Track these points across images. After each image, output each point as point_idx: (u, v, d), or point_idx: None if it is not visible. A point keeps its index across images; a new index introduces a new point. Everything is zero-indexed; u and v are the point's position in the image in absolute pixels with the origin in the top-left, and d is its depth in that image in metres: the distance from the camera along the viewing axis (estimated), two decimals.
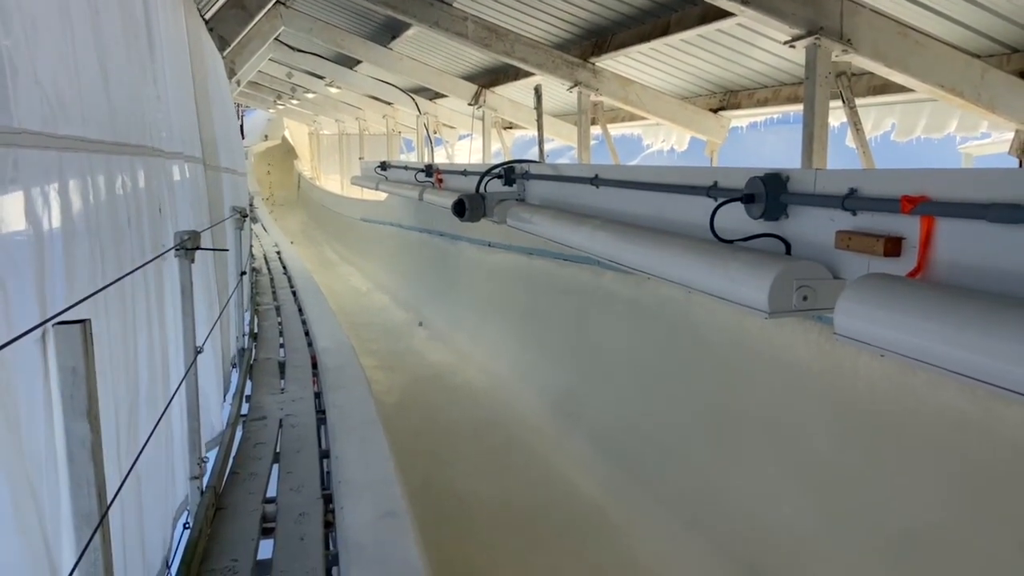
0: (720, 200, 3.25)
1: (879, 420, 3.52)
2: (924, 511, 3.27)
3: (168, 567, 2.80)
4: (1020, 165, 5.22)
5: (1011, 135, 5.29)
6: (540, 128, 9.82)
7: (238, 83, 10.89)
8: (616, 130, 10.27)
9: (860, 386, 3.62)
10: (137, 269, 2.29)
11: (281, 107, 23.69)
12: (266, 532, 3.14)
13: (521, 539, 4.86)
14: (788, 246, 2.96)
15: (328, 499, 3.40)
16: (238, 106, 18.87)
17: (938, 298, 2.03)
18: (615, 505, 5.12)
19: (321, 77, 16.31)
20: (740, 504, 4.34)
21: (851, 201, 2.58)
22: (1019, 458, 2.85)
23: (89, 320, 1.63)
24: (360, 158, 18.40)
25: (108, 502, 1.75)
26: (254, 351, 6.32)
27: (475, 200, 6.26)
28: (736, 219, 3.17)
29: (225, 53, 7.70)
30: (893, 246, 2.39)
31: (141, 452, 2.19)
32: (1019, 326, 1.80)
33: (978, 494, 3.04)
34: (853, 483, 3.65)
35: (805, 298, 2.67)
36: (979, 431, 3.00)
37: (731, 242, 3.15)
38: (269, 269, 11.66)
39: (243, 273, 6.23)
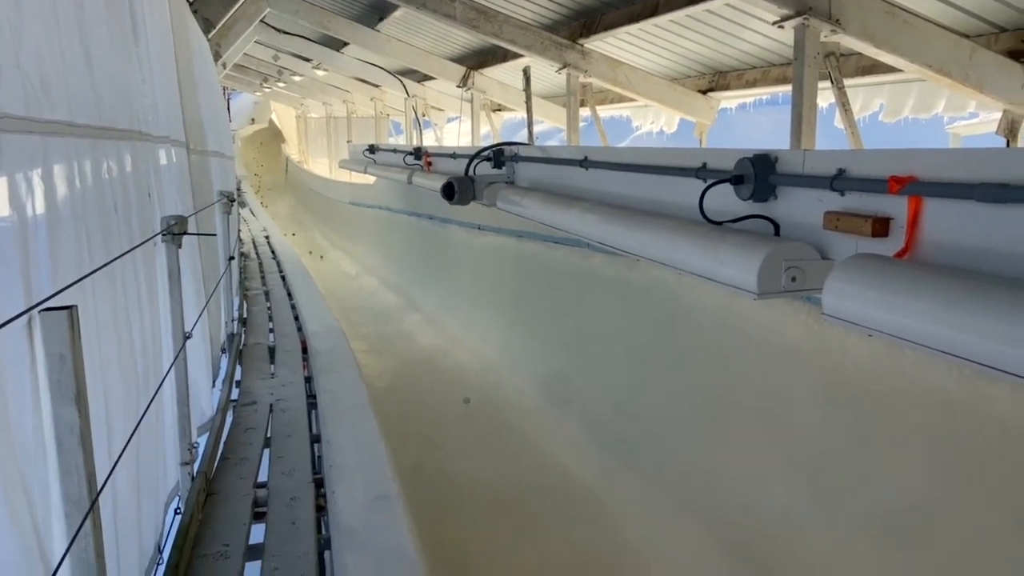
0: (709, 181, 3.25)
1: (867, 400, 3.55)
2: (912, 491, 3.30)
3: (160, 552, 2.81)
4: (1008, 145, 5.25)
5: (999, 115, 5.31)
6: (529, 110, 9.78)
7: (224, 66, 10.76)
8: (605, 112, 10.24)
9: (848, 367, 3.65)
10: (123, 255, 2.28)
11: (268, 90, 23.50)
12: (258, 516, 3.15)
13: (512, 522, 4.89)
14: (777, 227, 2.96)
15: (319, 483, 3.41)
16: (224, 89, 18.69)
17: (925, 278, 2.04)
18: (606, 488, 5.16)
19: (308, 59, 16.16)
20: (730, 486, 4.37)
21: (839, 182, 2.58)
22: (1004, 437, 2.88)
23: (76, 306, 1.62)
24: (348, 141, 18.27)
25: (98, 488, 1.74)
26: (243, 336, 6.30)
27: (464, 183, 6.23)
28: (725, 201, 3.17)
29: (210, 36, 7.61)
30: (881, 226, 2.40)
31: (131, 438, 2.18)
32: (1006, 306, 1.81)
33: (965, 474, 3.07)
34: (842, 464, 3.69)
35: (794, 279, 2.68)
36: (966, 410, 3.03)
37: (720, 223, 3.15)
38: (258, 254, 11.62)
39: (231, 258, 6.19)
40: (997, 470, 2.94)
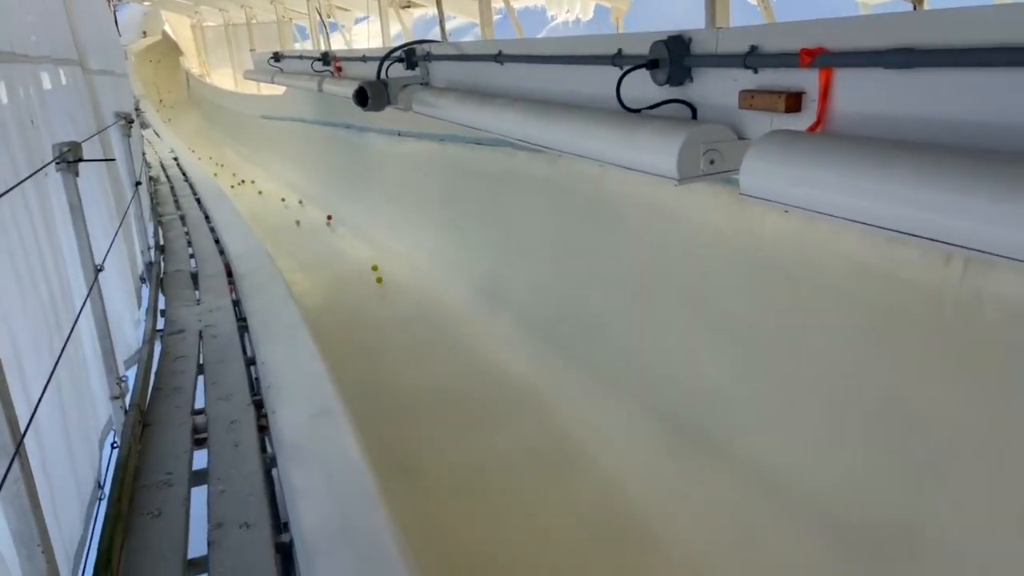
0: (625, 68, 3.19)
1: (788, 274, 3.68)
2: (831, 356, 3.49)
3: (101, 487, 2.77)
4: (914, 10, 5.30)
5: None
6: (439, 4, 9.35)
7: None
8: (519, 2, 9.90)
9: (769, 243, 3.76)
10: (9, 191, 2.12)
11: None
12: (199, 443, 3.12)
13: (456, 422, 5.00)
14: (694, 110, 2.95)
15: (259, 404, 3.39)
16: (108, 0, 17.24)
17: (835, 149, 2.07)
18: (543, 379, 5.29)
19: None
20: (660, 364, 4.55)
21: (752, 59, 2.56)
22: (913, 298, 3.04)
23: None
24: (251, 50, 17.24)
25: (22, 432, 1.69)
26: (163, 264, 6.08)
27: (377, 87, 5.99)
28: (644, 87, 3.13)
29: None
30: (794, 101, 2.40)
31: (50, 378, 2.10)
32: (911, 172, 1.86)
33: (880, 334, 3.25)
34: (767, 335, 3.86)
35: (712, 162, 2.69)
36: (878, 276, 3.17)
37: (639, 111, 3.12)
38: (168, 177, 11.09)
39: (138, 183, 5.88)
40: (908, 329, 3.12)
